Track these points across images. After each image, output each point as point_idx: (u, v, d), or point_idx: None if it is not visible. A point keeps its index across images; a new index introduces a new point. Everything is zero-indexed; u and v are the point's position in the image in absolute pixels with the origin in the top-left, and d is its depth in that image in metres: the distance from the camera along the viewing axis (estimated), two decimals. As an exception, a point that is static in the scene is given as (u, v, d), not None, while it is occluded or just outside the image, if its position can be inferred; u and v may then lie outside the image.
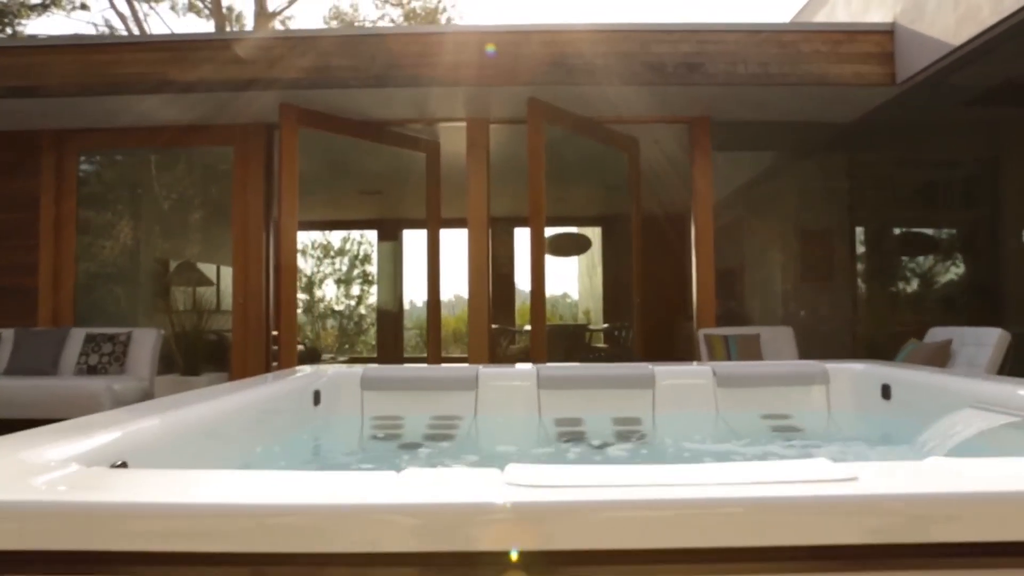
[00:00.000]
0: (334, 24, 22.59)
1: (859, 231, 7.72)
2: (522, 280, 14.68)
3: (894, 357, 5.34)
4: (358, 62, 5.79)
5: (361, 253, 18.08)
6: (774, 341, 6.39)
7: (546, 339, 6.18)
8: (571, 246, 10.09)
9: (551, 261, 10.66)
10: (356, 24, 22.65)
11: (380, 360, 12.64)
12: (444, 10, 22.84)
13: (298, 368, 3.07)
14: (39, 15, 18.57)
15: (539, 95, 6.05)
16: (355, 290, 18.17)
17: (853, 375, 2.92)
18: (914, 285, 7.21)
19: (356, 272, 18.06)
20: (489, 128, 6.70)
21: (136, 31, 19.90)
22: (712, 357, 6.17)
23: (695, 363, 3.12)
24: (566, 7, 37.00)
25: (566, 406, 2.90)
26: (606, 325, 10.67)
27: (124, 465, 1.45)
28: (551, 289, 16.34)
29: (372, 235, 15.34)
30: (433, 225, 7.33)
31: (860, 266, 7.71)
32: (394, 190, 9.59)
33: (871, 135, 7.08)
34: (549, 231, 10.00)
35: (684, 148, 6.87)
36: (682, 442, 2.62)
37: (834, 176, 7.71)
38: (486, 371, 3.01)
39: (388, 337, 12.63)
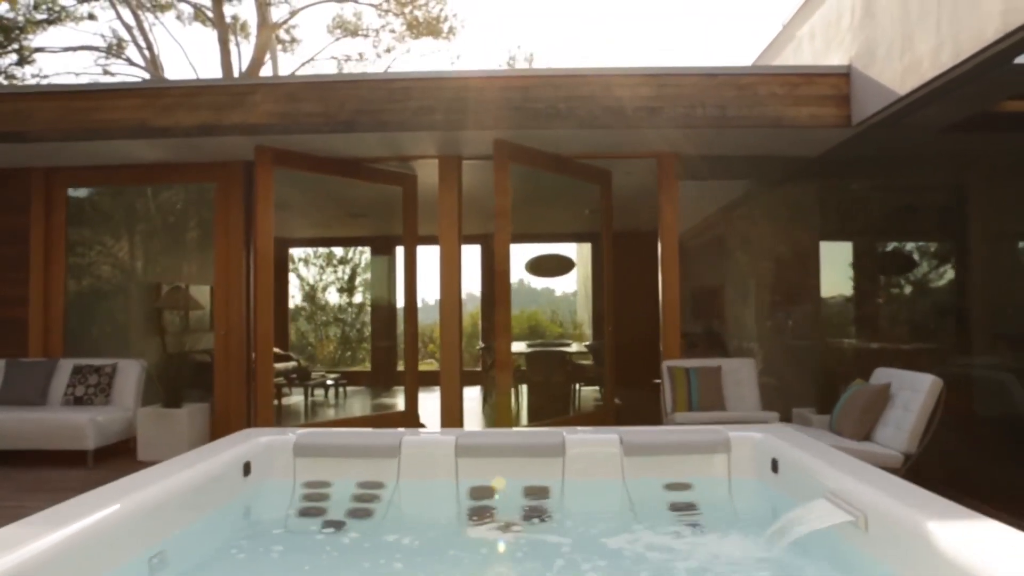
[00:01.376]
0: (337, 33, 22.85)
1: (828, 256, 7.84)
2: (516, 299, 14.95)
3: (844, 388, 5.51)
4: (328, 108, 6.00)
5: (363, 262, 18.40)
6: (735, 373, 6.56)
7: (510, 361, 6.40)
8: (553, 267, 10.27)
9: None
10: (359, 32, 22.92)
11: (373, 370, 12.98)
12: (446, 19, 23.05)
13: (231, 438, 3.28)
14: (45, 30, 18.95)
15: (506, 136, 6.25)
16: (357, 298, 18.49)
17: (753, 445, 3.10)
18: (883, 309, 7.32)
19: (359, 280, 18.37)
20: (462, 163, 6.91)
21: (142, 42, 20.27)
22: (674, 388, 6.36)
23: (603, 431, 3.28)
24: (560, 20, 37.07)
25: (482, 472, 3.11)
26: (588, 343, 10.86)
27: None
28: (540, 303, 16.56)
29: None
30: (410, 246, 7.76)
31: (828, 291, 7.83)
32: (380, 213, 9.83)
33: (838, 166, 7.21)
34: (532, 251, 10.25)
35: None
36: (585, 525, 2.82)
37: (804, 204, 7.84)
38: (408, 439, 3.22)
39: (382, 348, 12.96)
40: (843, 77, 6.09)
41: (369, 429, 3.47)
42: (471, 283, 13.48)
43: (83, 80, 20.01)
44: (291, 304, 16.62)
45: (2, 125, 6.11)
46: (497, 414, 6.37)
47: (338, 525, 2.94)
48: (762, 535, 2.47)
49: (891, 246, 6.92)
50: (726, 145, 6.66)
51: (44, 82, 20.87)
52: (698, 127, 6.06)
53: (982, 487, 4.88)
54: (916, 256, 6.98)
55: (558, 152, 6.76)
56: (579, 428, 3.35)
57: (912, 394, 4.77)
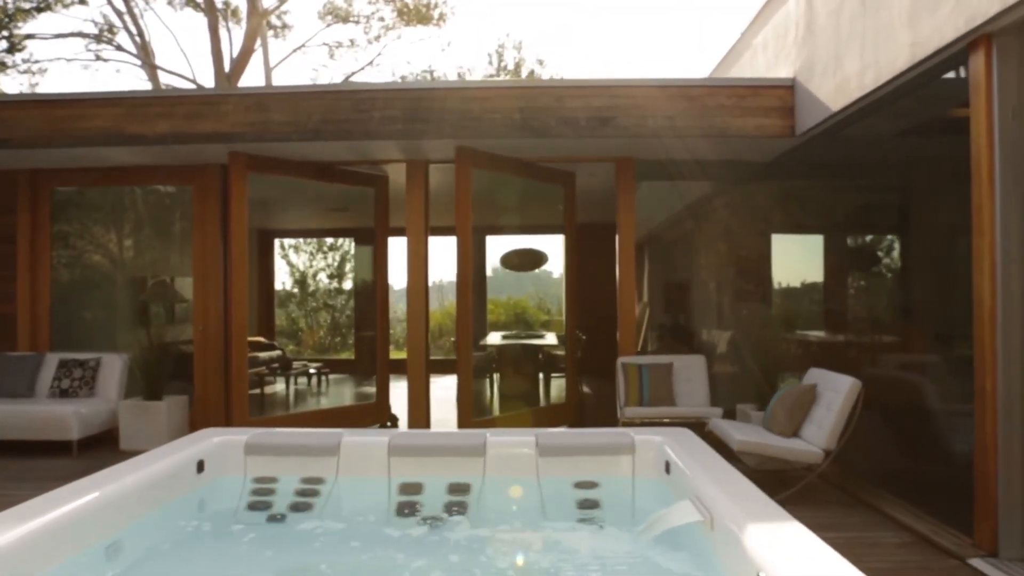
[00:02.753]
0: (328, 19, 23.00)
1: (781, 254, 8.17)
2: (493, 288, 15.36)
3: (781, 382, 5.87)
4: (296, 117, 6.32)
5: (352, 249, 18.73)
6: (687, 369, 6.94)
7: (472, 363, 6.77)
8: (526, 261, 10.60)
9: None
10: (351, 19, 23.07)
11: (357, 358, 13.35)
12: (436, 5, 23.19)
13: (191, 437, 3.65)
14: (35, 17, 19.10)
15: (468, 143, 6.57)
16: (348, 284, 18.84)
17: (654, 447, 3.47)
18: (831, 305, 7.64)
19: (348, 267, 18.72)
20: (428, 167, 7.24)
21: (133, 28, 20.41)
22: (627, 384, 6.73)
23: (521, 432, 3.65)
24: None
25: (411, 471, 3.48)
26: (562, 335, 11.23)
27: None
28: (520, 292, 16.90)
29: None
30: (381, 243, 8.20)
31: (781, 286, 8.17)
32: (360, 208, 10.16)
33: (792, 168, 7.51)
34: (506, 245, 10.59)
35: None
36: (501, 519, 3.20)
37: (760, 204, 8.16)
38: (347, 439, 3.59)
39: (365, 337, 13.35)
40: (788, 89, 6.40)
41: (313, 429, 3.83)
42: (451, 273, 13.85)
43: (74, 65, 20.14)
44: (280, 287, 16.92)
45: (-12, 132, 6.43)
46: (459, 408, 6.74)
47: (282, 518, 3.32)
48: (636, 530, 2.85)
49: (848, 242, 7.20)
50: (680, 151, 6.97)
51: (35, 67, 21.05)
52: (649, 137, 6.38)
53: (893, 479, 5.28)
54: (877, 253, 7.25)
55: (522, 156, 7.08)
56: (501, 430, 3.71)
57: (834, 395, 5.14)
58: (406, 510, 3.37)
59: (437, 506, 3.36)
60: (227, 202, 7.26)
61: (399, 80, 21.57)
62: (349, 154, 6.96)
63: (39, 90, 21.31)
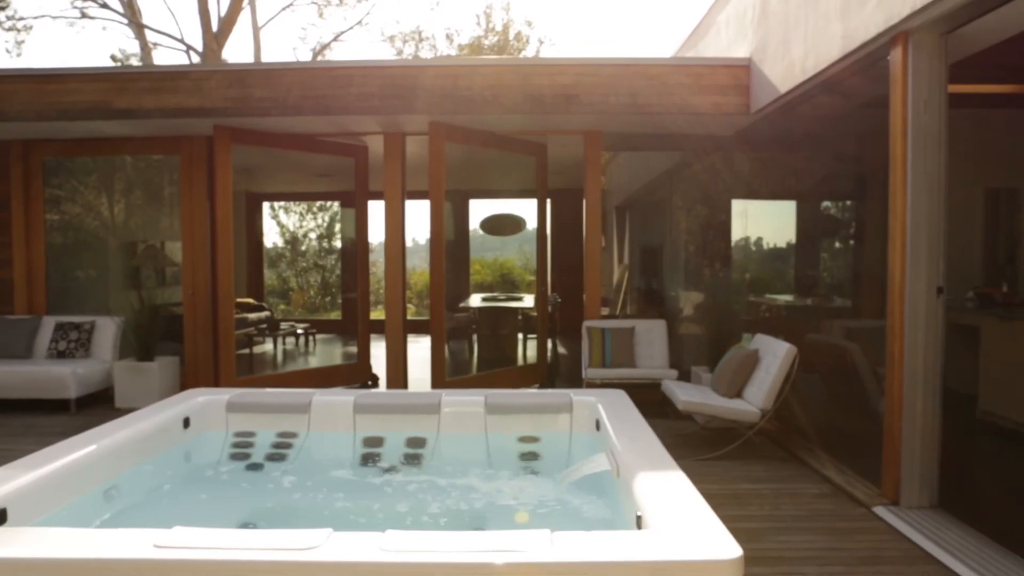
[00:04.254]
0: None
1: (744, 224, 8.56)
2: (479, 248, 15.75)
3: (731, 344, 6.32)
4: (276, 93, 6.63)
5: (342, 211, 19.01)
6: (648, 333, 7.39)
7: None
8: (505, 227, 10.96)
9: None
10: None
11: (344, 318, 13.77)
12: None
13: (178, 396, 4.08)
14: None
15: (441, 118, 6.90)
16: (337, 243, 19.17)
17: (588, 406, 3.92)
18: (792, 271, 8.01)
19: (337, 228, 19.03)
20: (405, 139, 7.57)
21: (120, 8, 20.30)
22: (591, 346, 7.19)
23: (473, 393, 4.09)
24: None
25: (374, 426, 3.93)
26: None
27: (4, 513, 2.47)
28: (507, 253, 17.27)
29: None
30: (361, 210, 8.58)
31: (744, 252, 8.58)
32: (343, 174, 10.48)
33: (753, 140, 7.84)
34: (486, 209, 10.95)
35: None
36: (452, 469, 3.66)
37: (723, 173, 8.52)
38: (317, 398, 4.04)
39: (351, 298, 13.77)
40: (744, 69, 6.72)
41: (288, 390, 4.27)
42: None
43: (60, 23, 20.05)
44: (271, 246, 17.20)
45: (-20, 106, 6.72)
46: (432, 369, 7.19)
47: (259, 466, 3.77)
48: (558, 476, 3.32)
49: (810, 210, 7.52)
50: (645, 125, 7.30)
51: (20, 24, 20.99)
52: (612, 113, 6.71)
53: (826, 436, 5.77)
54: (834, 221, 7.55)
55: (495, 129, 7.41)
56: (455, 391, 4.16)
57: (772, 359, 5.60)
58: (369, 460, 3.82)
59: (396, 457, 3.82)
60: (213, 172, 7.60)
61: (375, 59, 21.60)
62: (329, 127, 7.28)
63: (25, 48, 21.27)
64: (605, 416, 3.59)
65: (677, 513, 2.21)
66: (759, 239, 7.99)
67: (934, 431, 4.36)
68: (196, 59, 20.47)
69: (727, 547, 1.91)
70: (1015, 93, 6.84)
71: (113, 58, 22.86)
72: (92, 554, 1.94)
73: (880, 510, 4.31)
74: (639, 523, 2.28)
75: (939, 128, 4.26)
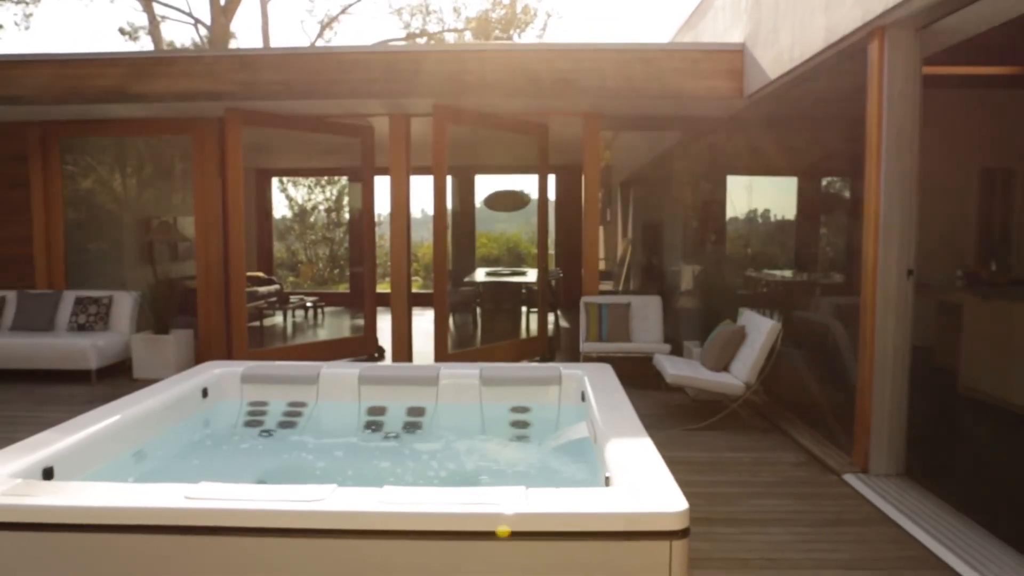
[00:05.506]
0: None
1: (740, 202, 8.78)
2: (486, 222, 16.02)
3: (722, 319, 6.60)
4: (285, 77, 6.88)
5: (349, 184, 19.22)
6: (643, 308, 7.67)
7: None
8: (509, 203, 11.21)
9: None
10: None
11: (352, 291, 14.12)
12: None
13: (196, 368, 4.41)
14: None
15: (445, 100, 7.14)
16: (346, 216, 19.45)
17: (576, 379, 4.23)
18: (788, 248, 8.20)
19: (345, 201, 19.30)
20: (409, 120, 7.81)
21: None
22: (588, 321, 7.49)
23: (469, 366, 4.41)
24: None
25: (377, 396, 4.27)
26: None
27: (51, 470, 2.80)
28: (508, 226, 17.50)
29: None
30: (368, 189, 8.82)
31: (739, 229, 8.81)
32: (351, 150, 10.75)
33: (748, 122, 8.02)
34: (492, 184, 11.20)
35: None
36: (449, 436, 3.99)
37: (719, 154, 8.74)
38: (325, 370, 4.36)
39: (359, 272, 14.12)
40: (738, 54, 6.91)
41: (298, 362, 4.61)
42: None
43: None
44: (278, 216, 17.44)
45: (1, 90, 7.00)
46: (435, 343, 7.52)
47: (271, 433, 4.11)
48: (543, 442, 3.64)
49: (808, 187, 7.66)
50: (642, 108, 7.52)
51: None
52: (609, 97, 6.94)
53: (807, 408, 6.07)
54: (831, 199, 7.67)
55: (497, 110, 7.64)
56: (452, 364, 4.48)
57: (757, 335, 5.89)
58: (372, 427, 4.15)
59: (398, 425, 4.15)
60: (224, 152, 7.87)
61: (379, 43, 21.69)
62: (336, 109, 7.53)
63: (33, 21, 21.40)
64: (590, 388, 3.89)
65: (639, 473, 2.52)
66: (753, 213, 8.21)
67: (902, 404, 4.65)
68: (204, 32, 20.62)
69: (675, 501, 2.21)
70: (1013, 74, 6.99)
71: (121, 31, 23.00)
72: (133, 504, 2.27)
73: (849, 477, 4.62)
74: (607, 483, 2.59)
75: (912, 118, 4.49)
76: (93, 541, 2.27)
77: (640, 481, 2.43)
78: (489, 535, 2.16)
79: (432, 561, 2.20)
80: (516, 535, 2.16)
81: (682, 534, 2.15)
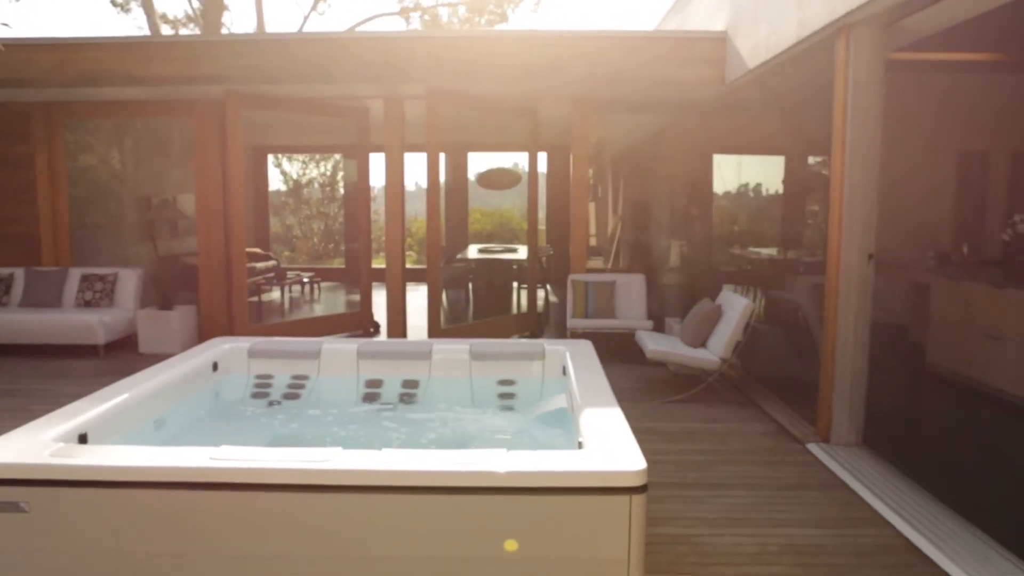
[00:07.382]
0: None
1: (725, 181, 9.10)
2: (479, 198, 16.25)
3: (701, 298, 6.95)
4: (283, 62, 7.12)
5: (344, 160, 19.37)
6: (627, 286, 8.01)
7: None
8: (501, 180, 11.45)
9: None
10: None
11: (347, 267, 14.42)
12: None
13: (206, 344, 4.74)
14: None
15: (437, 85, 7.39)
16: (340, 191, 19.65)
17: (558, 354, 4.57)
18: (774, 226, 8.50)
19: (340, 176, 19.48)
20: (404, 103, 8.07)
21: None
22: (575, 298, 7.82)
23: (460, 342, 4.76)
24: None
25: (375, 370, 4.62)
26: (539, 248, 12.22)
27: (85, 436, 3.13)
28: (503, 202, 17.75)
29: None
30: (363, 170, 9.11)
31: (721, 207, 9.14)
32: (347, 128, 11.00)
33: (730, 105, 8.30)
34: (485, 161, 11.43)
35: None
36: (441, 407, 4.34)
37: (705, 135, 9.02)
38: (326, 346, 4.70)
39: (353, 248, 14.41)
40: (720, 41, 7.17)
41: (301, 339, 4.94)
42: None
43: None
44: (272, 189, 17.60)
45: (6, 73, 7.22)
46: (429, 319, 7.85)
47: (277, 403, 4.46)
48: (526, 411, 4.00)
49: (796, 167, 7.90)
50: (629, 92, 7.78)
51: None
52: (597, 82, 7.20)
53: (781, 383, 6.43)
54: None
55: (488, 95, 7.90)
56: (444, 340, 4.82)
57: (732, 312, 6.23)
58: (370, 399, 4.50)
59: (394, 396, 4.50)
60: (224, 133, 8.12)
61: (371, 17, 21.65)
62: (332, 92, 7.78)
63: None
64: (571, 363, 4.24)
65: (607, 438, 2.86)
66: (744, 188, 8.50)
67: (862, 378, 5.01)
68: (196, 3, 20.58)
69: (635, 461, 2.56)
70: (989, 60, 7.25)
71: (112, 2, 22.91)
72: (164, 463, 2.61)
73: (812, 446, 5.00)
74: (580, 447, 2.94)
75: (875, 111, 4.80)
76: (129, 497, 2.60)
77: (607, 444, 2.78)
78: (476, 490, 2.51)
79: (426, 513, 2.55)
80: (498, 490, 2.51)
81: (641, 490, 2.50)
